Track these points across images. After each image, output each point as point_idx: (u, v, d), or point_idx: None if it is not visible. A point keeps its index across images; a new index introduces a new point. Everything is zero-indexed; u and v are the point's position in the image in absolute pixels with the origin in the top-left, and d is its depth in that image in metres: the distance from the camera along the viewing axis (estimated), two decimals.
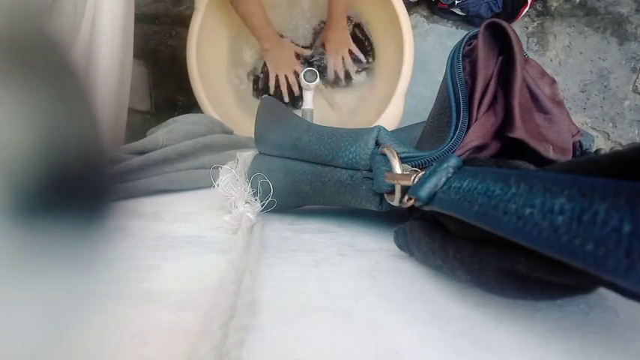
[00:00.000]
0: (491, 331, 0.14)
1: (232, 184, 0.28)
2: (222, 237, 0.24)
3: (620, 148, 0.11)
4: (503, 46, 0.25)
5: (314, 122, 0.42)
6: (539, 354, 0.13)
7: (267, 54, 0.82)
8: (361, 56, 0.85)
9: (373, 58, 0.87)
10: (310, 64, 0.85)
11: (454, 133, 0.23)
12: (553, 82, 0.28)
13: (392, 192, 0.20)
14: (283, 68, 0.82)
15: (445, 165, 0.16)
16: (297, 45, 0.86)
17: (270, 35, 0.79)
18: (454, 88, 0.24)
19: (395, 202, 0.20)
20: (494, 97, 0.24)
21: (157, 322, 0.14)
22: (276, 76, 0.84)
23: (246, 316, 0.14)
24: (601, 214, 0.09)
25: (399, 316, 0.15)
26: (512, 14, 1.02)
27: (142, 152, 0.40)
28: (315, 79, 0.72)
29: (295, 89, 0.84)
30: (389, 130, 0.23)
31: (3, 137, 0.07)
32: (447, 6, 1.00)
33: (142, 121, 0.95)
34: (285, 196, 0.27)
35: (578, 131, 0.28)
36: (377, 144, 0.22)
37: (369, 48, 0.86)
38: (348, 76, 0.87)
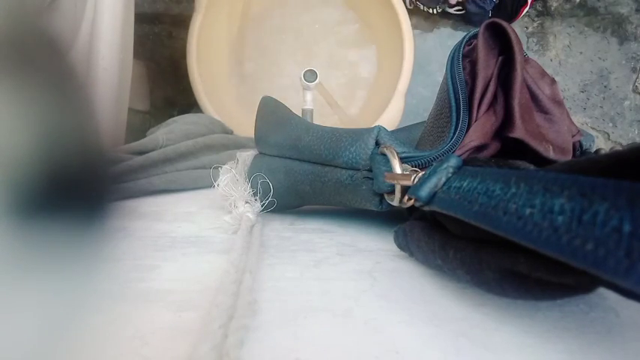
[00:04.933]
0: (491, 331, 0.14)
1: (232, 184, 0.28)
2: (222, 237, 0.24)
3: (620, 148, 0.11)
4: (503, 46, 0.25)
5: (314, 122, 0.42)
6: (539, 354, 0.13)
7: None
8: None
9: None
10: None
11: (454, 133, 0.23)
12: (553, 82, 0.28)
13: (392, 192, 0.20)
14: None
15: (445, 165, 0.16)
16: None
17: None
18: (454, 88, 0.24)
19: (395, 202, 0.20)
20: (495, 97, 0.24)
21: (157, 322, 0.14)
22: None
23: (246, 316, 0.14)
24: (601, 214, 0.09)
25: (399, 316, 0.15)
26: (512, 14, 1.02)
27: (142, 152, 0.40)
28: (315, 79, 0.72)
29: None
30: (389, 130, 0.23)
31: (3, 137, 0.07)
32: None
33: (141, 121, 0.95)
34: (286, 196, 0.27)
35: (579, 131, 0.28)
36: (377, 144, 0.22)
37: None
38: None
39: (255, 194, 0.28)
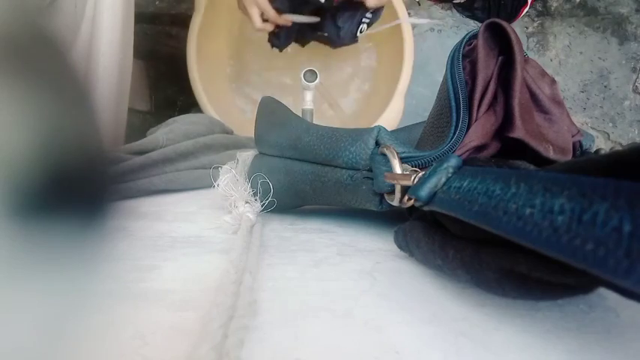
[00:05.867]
0: (491, 331, 0.14)
1: (232, 184, 0.28)
2: (222, 237, 0.24)
3: (620, 148, 0.11)
4: (503, 46, 0.25)
5: (314, 122, 0.42)
6: (539, 354, 0.13)
7: None
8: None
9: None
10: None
11: (454, 133, 0.23)
12: (553, 82, 0.28)
13: (392, 192, 0.20)
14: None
15: (445, 165, 0.16)
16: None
17: None
18: (454, 88, 0.24)
19: (395, 202, 0.20)
20: (495, 97, 0.24)
21: (157, 322, 0.14)
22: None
23: (246, 316, 0.14)
24: (601, 214, 0.09)
25: (399, 316, 0.15)
26: (512, 14, 1.02)
27: (142, 152, 0.40)
28: (315, 79, 0.72)
29: (276, 20, 0.67)
30: (389, 130, 0.23)
31: (3, 137, 0.07)
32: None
33: (142, 121, 0.95)
34: (285, 196, 0.27)
35: (579, 131, 0.28)
36: (377, 144, 0.22)
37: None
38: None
39: (255, 194, 0.28)
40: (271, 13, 0.66)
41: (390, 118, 0.72)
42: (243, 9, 0.69)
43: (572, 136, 0.27)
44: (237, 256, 0.18)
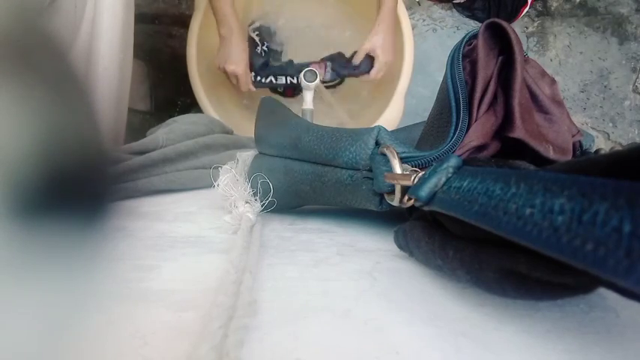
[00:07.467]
0: (491, 331, 0.14)
1: (232, 184, 0.28)
2: (222, 237, 0.24)
3: (620, 148, 0.11)
4: (503, 46, 0.25)
5: (314, 122, 0.42)
6: (539, 354, 0.13)
7: (220, 41, 0.76)
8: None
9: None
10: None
11: (454, 133, 0.23)
12: (553, 82, 0.28)
13: (392, 192, 0.20)
14: (229, 63, 0.75)
15: (445, 165, 0.16)
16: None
17: (229, 23, 0.73)
18: (454, 88, 0.24)
19: (395, 202, 0.20)
20: (495, 97, 0.24)
21: (157, 322, 0.14)
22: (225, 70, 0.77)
23: (246, 316, 0.14)
24: (601, 214, 0.09)
25: (399, 316, 0.15)
26: (512, 14, 1.02)
27: (142, 152, 0.40)
28: (315, 79, 0.72)
29: (244, 87, 0.79)
30: (389, 130, 0.23)
31: (3, 137, 0.07)
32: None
33: (141, 121, 0.95)
34: (285, 196, 0.27)
35: (579, 131, 0.28)
36: (377, 144, 0.22)
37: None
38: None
39: (255, 194, 0.28)
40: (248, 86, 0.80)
41: (390, 118, 0.72)
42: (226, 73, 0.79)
43: (572, 136, 0.27)
44: (237, 256, 0.18)
